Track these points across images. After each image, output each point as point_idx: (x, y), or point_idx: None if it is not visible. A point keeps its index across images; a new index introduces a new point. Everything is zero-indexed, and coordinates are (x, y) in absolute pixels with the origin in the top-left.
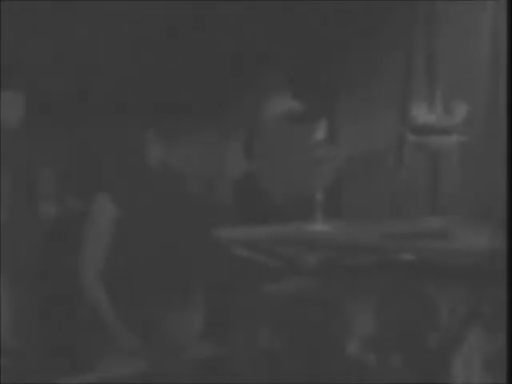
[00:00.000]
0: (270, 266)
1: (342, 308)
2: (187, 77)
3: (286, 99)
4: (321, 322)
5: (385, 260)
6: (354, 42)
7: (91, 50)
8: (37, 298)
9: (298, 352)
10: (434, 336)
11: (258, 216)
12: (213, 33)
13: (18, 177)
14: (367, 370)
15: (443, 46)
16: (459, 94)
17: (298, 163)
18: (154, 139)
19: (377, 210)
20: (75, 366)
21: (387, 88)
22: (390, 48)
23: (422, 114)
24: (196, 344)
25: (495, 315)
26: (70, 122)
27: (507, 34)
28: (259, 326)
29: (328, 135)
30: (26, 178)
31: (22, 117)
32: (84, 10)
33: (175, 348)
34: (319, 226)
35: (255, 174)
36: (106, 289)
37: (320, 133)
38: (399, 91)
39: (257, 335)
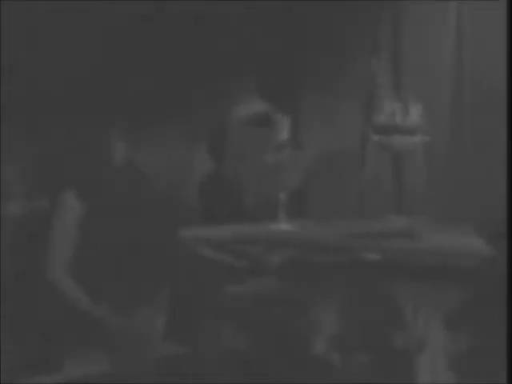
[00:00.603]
0: (235, 266)
1: (307, 307)
2: (153, 77)
3: (253, 101)
4: (286, 322)
5: (350, 259)
6: (319, 42)
7: (57, 50)
8: (4, 296)
9: (263, 352)
10: (398, 336)
11: (224, 216)
12: (179, 32)
13: None
14: (332, 369)
15: (407, 46)
16: (423, 94)
17: (263, 166)
18: (119, 138)
19: (342, 209)
20: (42, 366)
21: (351, 88)
22: (355, 48)
23: (385, 113)
24: (160, 344)
25: (460, 315)
26: (35, 121)
27: (507, 33)
28: (225, 326)
29: (292, 135)
30: None
31: None
32: (55, 9)
33: (139, 347)
34: (284, 226)
35: (221, 173)
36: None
37: (284, 133)
38: (363, 91)
39: (222, 335)
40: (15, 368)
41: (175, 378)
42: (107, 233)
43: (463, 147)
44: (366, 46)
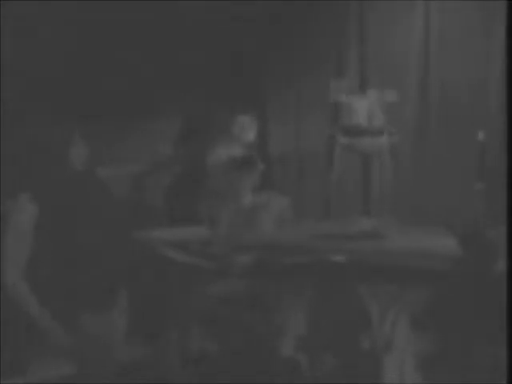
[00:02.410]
0: (201, 267)
1: (274, 308)
2: (119, 81)
3: (232, 146)
4: (253, 323)
5: (318, 261)
6: (286, 42)
7: (19, 49)
8: None
9: (230, 353)
10: (366, 336)
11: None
12: (146, 39)
13: None
14: (300, 369)
15: (374, 45)
16: (389, 95)
17: (239, 208)
18: (78, 141)
19: (310, 210)
20: (4, 370)
21: (318, 90)
22: (322, 48)
23: (352, 115)
24: (123, 346)
25: (426, 315)
26: None
27: (507, 33)
28: (191, 328)
29: (259, 137)
30: None
31: None
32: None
33: (101, 350)
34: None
35: (185, 176)
36: (30, 290)
37: (251, 134)
38: (330, 93)
39: (189, 336)
40: None
41: (139, 380)
42: (67, 234)
43: (430, 147)
44: (333, 46)
